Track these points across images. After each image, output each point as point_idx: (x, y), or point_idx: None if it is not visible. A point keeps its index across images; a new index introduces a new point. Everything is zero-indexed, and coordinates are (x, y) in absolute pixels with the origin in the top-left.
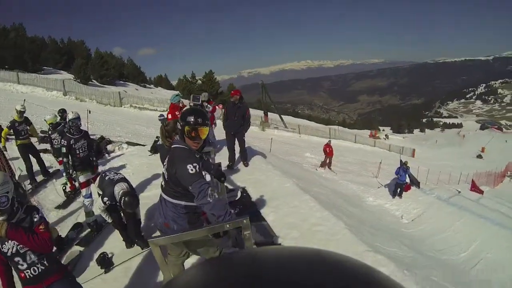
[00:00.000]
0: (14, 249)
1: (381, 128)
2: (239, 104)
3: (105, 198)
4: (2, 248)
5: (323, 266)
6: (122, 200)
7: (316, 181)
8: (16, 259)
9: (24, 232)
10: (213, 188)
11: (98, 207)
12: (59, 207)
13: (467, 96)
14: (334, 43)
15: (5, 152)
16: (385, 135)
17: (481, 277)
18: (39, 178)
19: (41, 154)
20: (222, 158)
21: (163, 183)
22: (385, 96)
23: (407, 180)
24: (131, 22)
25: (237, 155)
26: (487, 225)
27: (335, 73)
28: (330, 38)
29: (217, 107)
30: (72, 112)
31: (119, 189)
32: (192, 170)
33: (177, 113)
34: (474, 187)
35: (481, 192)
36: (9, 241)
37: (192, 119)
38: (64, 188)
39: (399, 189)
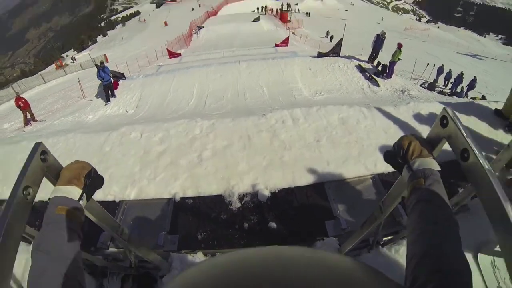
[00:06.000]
0: None
1: (63, 55)
2: None
3: None
4: None
5: (319, 267)
6: None
7: None
8: None
9: None
10: None
11: None
12: None
13: None
14: None
15: None
16: (72, 58)
17: None
18: None
19: None
20: None
21: None
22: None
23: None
24: None
25: None
26: None
27: None
28: None
29: None
30: None
31: None
32: None
33: None
34: (172, 54)
35: (179, 54)
36: None
37: None
38: None
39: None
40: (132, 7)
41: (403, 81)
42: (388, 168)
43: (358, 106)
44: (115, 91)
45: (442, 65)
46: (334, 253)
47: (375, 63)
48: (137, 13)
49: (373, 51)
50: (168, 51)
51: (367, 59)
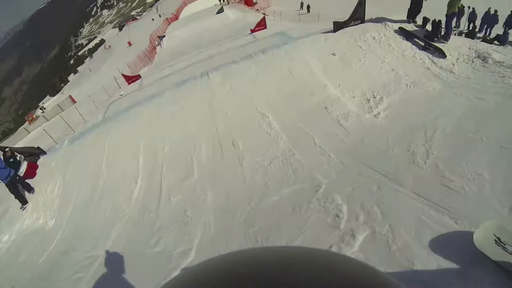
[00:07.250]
0: None
1: (41, 103)
2: None
3: None
4: None
5: (318, 266)
6: None
7: None
8: None
9: None
10: None
11: None
12: None
13: (93, 13)
14: None
15: None
16: (41, 108)
17: None
18: None
19: None
20: None
21: None
22: (24, 71)
23: None
24: None
25: None
26: None
27: None
28: None
29: None
30: None
31: None
32: None
33: None
34: (129, 79)
35: (138, 77)
36: None
37: None
38: None
39: None
40: (95, 37)
41: (464, 40)
42: None
43: None
44: (33, 180)
45: (473, 9)
46: (335, 252)
47: (420, 21)
48: (102, 41)
49: (412, 3)
50: (124, 76)
51: (405, 18)
